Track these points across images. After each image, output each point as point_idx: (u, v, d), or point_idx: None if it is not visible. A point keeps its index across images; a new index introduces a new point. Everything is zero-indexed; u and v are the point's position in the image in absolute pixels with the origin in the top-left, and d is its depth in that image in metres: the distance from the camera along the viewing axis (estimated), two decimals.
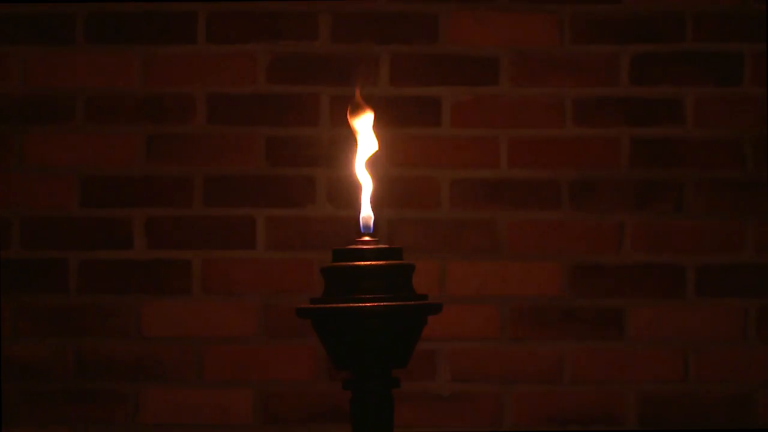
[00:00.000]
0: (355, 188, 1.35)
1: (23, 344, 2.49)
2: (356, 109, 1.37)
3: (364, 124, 1.37)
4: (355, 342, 1.24)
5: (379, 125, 1.38)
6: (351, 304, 1.22)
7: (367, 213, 1.32)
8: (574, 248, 2.50)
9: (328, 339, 1.25)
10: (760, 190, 2.49)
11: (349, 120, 1.37)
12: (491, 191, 2.50)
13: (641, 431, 2.49)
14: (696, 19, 2.51)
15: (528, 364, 2.49)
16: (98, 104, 2.51)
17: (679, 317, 2.49)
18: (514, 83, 2.51)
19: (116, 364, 2.49)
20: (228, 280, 2.50)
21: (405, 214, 2.50)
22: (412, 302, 1.25)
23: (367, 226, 1.32)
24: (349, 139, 1.38)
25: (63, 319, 2.49)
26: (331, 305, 1.24)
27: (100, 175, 2.51)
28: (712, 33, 2.50)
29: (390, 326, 1.23)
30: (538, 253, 2.50)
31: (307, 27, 2.52)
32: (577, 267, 2.49)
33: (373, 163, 1.36)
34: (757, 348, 2.49)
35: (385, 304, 1.22)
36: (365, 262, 1.24)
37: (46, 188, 2.50)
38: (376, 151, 1.36)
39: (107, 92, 2.51)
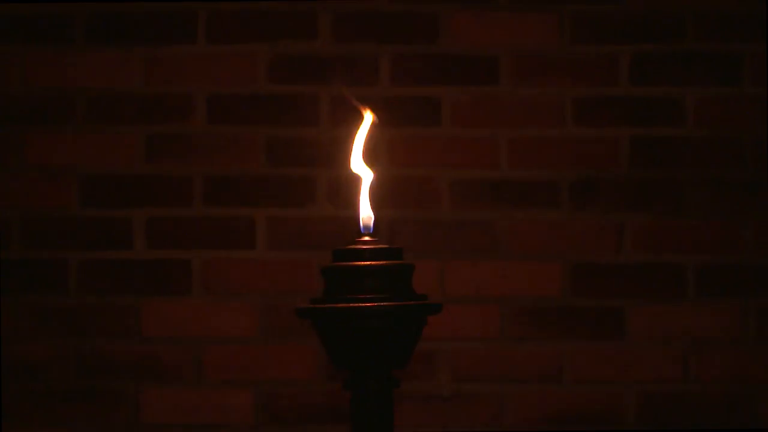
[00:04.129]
0: (355, 188, 1.35)
1: (23, 344, 2.49)
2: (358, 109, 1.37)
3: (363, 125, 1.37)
4: (355, 342, 1.24)
5: (379, 125, 1.38)
6: (351, 304, 1.22)
7: (367, 213, 1.32)
8: (574, 248, 2.50)
9: (328, 339, 1.25)
10: (760, 190, 2.49)
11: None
12: (491, 191, 2.50)
13: (641, 431, 2.49)
14: (696, 19, 2.51)
15: (528, 364, 2.49)
16: (98, 104, 2.51)
17: (679, 317, 2.49)
18: (514, 83, 2.51)
19: (116, 364, 2.49)
20: (228, 280, 2.50)
21: (405, 214, 2.50)
22: (412, 302, 1.25)
23: (367, 226, 1.32)
24: (349, 139, 1.38)
25: (63, 319, 2.49)
26: (331, 305, 1.24)
27: (100, 175, 2.51)
28: (712, 33, 2.51)
29: (390, 326, 1.23)
30: (538, 253, 2.50)
31: (307, 27, 2.52)
32: (577, 267, 2.49)
33: (373, 161, 1.36)
34: (757, 348, 2.49)
35: (385, 304, 1.22)
36: (365, 262, 1.24)
37: (46, 188, 2.50)
38: (374, 146, 1.36)
39: (107, 92, 2.51)
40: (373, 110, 1.38)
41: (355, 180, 1.34)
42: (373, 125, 1.36)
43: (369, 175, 1.33)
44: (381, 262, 1.25)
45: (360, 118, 1.37)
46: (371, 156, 1.36)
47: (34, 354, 2.49)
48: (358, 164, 1.34)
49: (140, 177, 2.51)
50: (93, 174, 2.51)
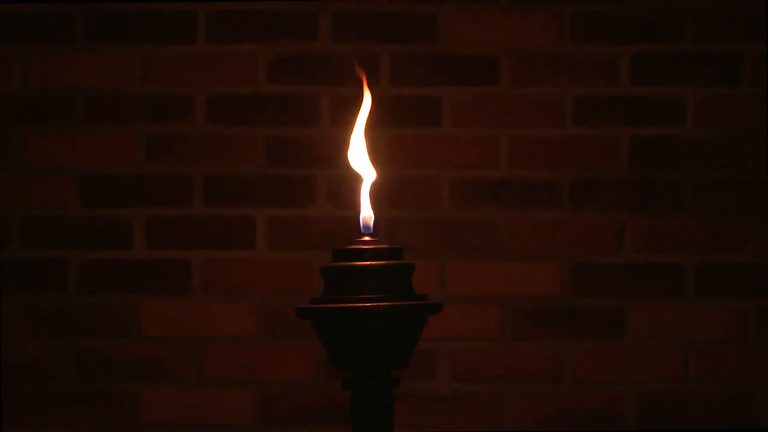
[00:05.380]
0: (355, 188, 1.35)
1: (23, 344, 2.49)
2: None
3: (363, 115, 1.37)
4: (355, 342, 1.24)
5: (379, 125, 1.37)
6: (351, 304, 1.22)
7: (367, 213, 1.32)
8: (574, 248, 2.50)
9: (328, 339, 1.25)
10: (760, 190, 2.49)
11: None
12: (491, 191, 2.50)
13: (641, 431, 2.49)
14: (696, 19, 2.51)
15: (528, 364, 2.49)
16: (98, 104, 2.51)
17: (679, 317, 2.49)
18: (514, 83, 2.51)
19: (116, 364, 2.49)
20: (228, 280, 2.50)
21: (405, 214, 2.50)
22: (412, 302, 1.25)
23: (367, 226, 1.32)
24: (349, 139, 1.37)
25: (63, 319, 2.49)
26: (331, 305, 1.23)
27: (100, 175, 2.51)
28: (712, 33, 2.51)
29: (390, 326, 1.23)
30: (538, 253, 2.50)
31: (307, 27, 2.52)
32: (577, 267, 2.49)
33: (373, 161, 1.36)
34: (757, 348, 2.49)
35: (385, 304, 1.22)
36: (365, 262, 1.24)
37: (46, 188, 2.50)
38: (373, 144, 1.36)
39: (107, 92, 2.51)
40: (373, 110, 1.38)
41: (356, 179, 1.34)
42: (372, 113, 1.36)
43: (370, 173, 1.33)
44: (381, 262, 1.25)
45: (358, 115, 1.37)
46: (371, 155, 1.36)
47: (34, 354, 2.49)
48: (359, 161, 1.34)
49: (140, 177, 2.51)
50: (93, 174, 2.51)
